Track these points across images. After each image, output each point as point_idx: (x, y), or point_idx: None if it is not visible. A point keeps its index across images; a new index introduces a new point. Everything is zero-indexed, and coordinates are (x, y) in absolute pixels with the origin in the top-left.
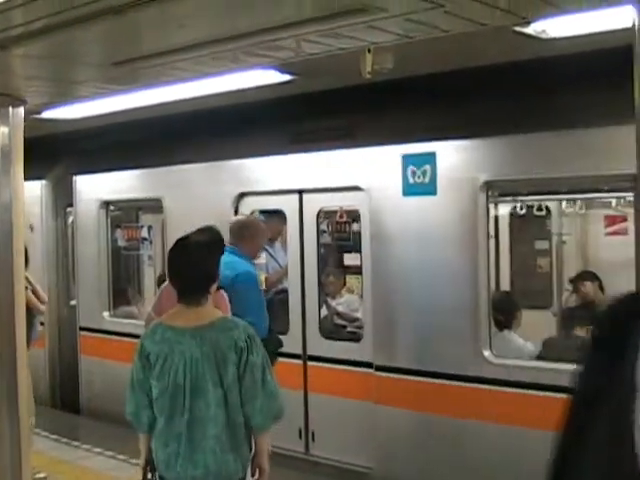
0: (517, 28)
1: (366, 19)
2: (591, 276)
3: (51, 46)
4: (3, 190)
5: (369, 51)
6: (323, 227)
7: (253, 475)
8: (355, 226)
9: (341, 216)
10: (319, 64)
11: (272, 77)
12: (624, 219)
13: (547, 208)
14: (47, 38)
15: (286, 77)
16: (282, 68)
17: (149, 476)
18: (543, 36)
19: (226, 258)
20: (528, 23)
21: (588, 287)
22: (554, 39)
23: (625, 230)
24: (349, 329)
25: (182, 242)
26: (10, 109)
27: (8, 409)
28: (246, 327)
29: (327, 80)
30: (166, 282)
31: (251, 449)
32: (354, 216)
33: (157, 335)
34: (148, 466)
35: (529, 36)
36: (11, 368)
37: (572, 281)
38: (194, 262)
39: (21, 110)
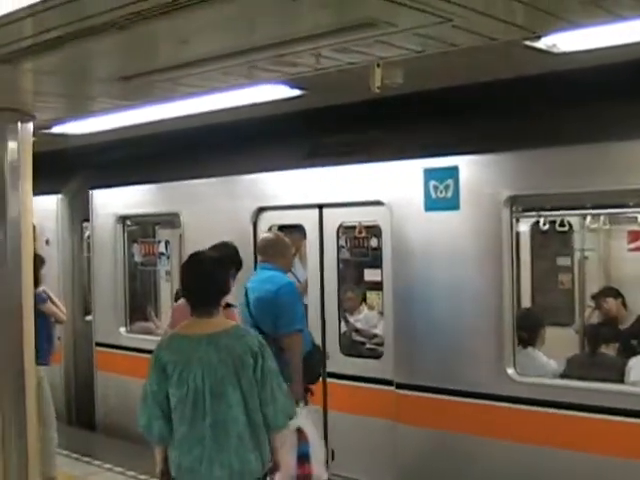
0: (527, 42)
1: (375, 33)
2: (614, 292)
3: (60, 60)
4: (12, 205)
5: (378, 66)
6: (342, 242)
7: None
8: (375, 241)
9: (360, 231)
10: (329, 79)
11: (282, 92)
12: None
13: (569, 223)
14: (56, 52)
15: (296, 92)
16: (292, 83)
17: None
18: (554, 50)
19: (264, 274)
20: (539, 37)
21: (611, 303)
22: (565, 53)
23: None
24: (368, 346)
25: (195, 257)
26: (19, 124)
27: (16, 423)
28: (257, 335)
29: (340, 94)
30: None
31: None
32: (375, 231)
33: (173, 345)
34: (164, 477)
35: (540, 50)
36: (18, 384)
37: (594, 297)
38: (205, 276)
39: (30, 125)
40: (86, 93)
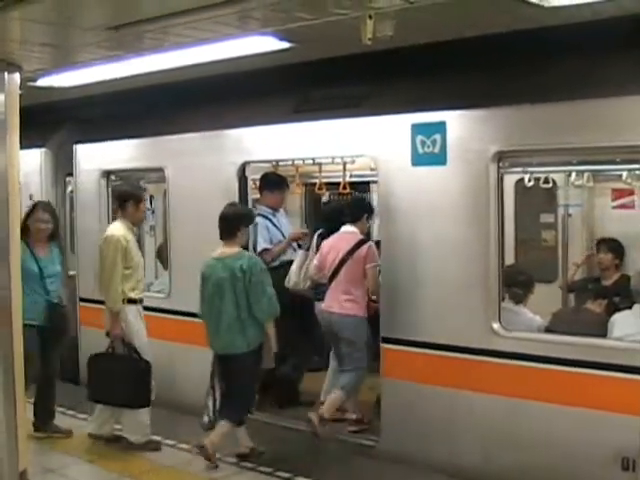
0: None
1: None
2: (616, 246)
3: (48, 9)
4: None
5: (370, 17)
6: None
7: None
8: None
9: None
10: (317, 32)
11: (270, 44)
12: (631, 192)
13: (553, 180)
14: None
15: (284, 44)
16: (281, 35)
17: None
18: (545, 4)
19: None
20: None
21: (606, 257)
22: (556, 7)
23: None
24: None
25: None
26: (5, 75)
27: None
28: (250, 257)
29: (329, 48)
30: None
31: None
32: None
33: (208, 263)
34: None
35: (531, 4)
36: (7, 342)
37: (598, 243)
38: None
39: (16, 76)
40: (73, 43)
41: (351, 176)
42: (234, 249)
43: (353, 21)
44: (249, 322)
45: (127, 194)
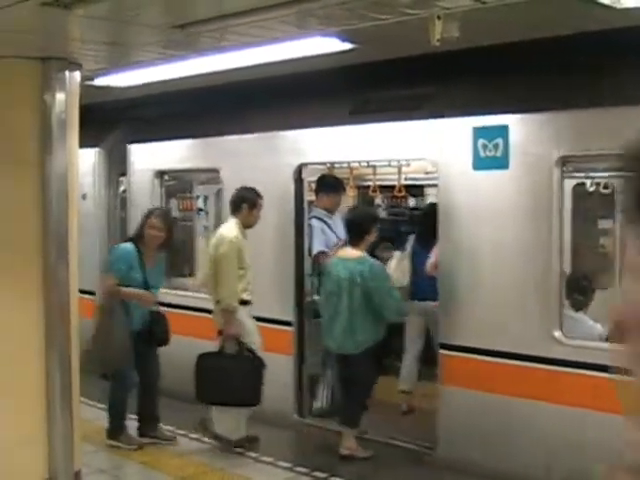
0: None
1: None
2: None
3: (112, 7)
4: (59, 159)
5: (439, 18)
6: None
7: None
8: None
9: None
10: (381, 32)
11: (332, 45)
12: None
13: (613, 186)
14: None
15: (347, 45)
16: (344, 36)
17: None
18: (617, 6)
19: None
20: None
21: None
22: (627, 9)
23: None
24: None
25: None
26: (67, 74)
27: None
28: (372, 264)
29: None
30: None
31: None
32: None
33: (332, 260)
34: None
35: (603, 5)
36: (64, 342)
37: None
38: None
39: (77, 75)
40: (135, 41)
41: (406, 179)
42: (357, 252)
43: (418, 22)
44: (360, 326)
45: (242, 198)
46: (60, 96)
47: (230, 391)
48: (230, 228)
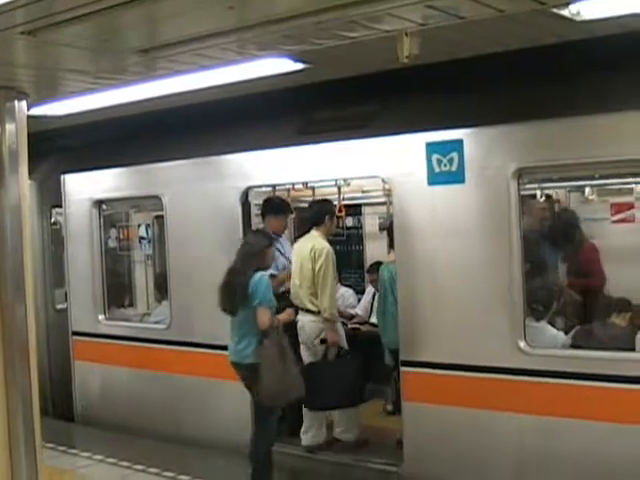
0: (554, 10)
1: (385, 7)
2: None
3: (81, 32)
4: (12, 191)
5: (406, 35)
6: None
7: None
8: None
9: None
10: (333, 52)
11: (285, 66)
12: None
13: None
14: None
15: (299, 66)
16: (295, 57)
17: None
18: (577, 18)
19: None
20: (567, 4)
21: None
22: (587, 21)
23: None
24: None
25: None
26: (16, 103)
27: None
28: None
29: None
30: None
31: None
32: None
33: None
34: None
35: (563, 18)
36: (25, 369)
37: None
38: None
39: (24, 104)
40: (89, 68)
41: (344, 199)
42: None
43: (379, 41)
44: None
45: (324, 210)
46: (10, 127)
47: (338, 395)
48: (320, 240)
